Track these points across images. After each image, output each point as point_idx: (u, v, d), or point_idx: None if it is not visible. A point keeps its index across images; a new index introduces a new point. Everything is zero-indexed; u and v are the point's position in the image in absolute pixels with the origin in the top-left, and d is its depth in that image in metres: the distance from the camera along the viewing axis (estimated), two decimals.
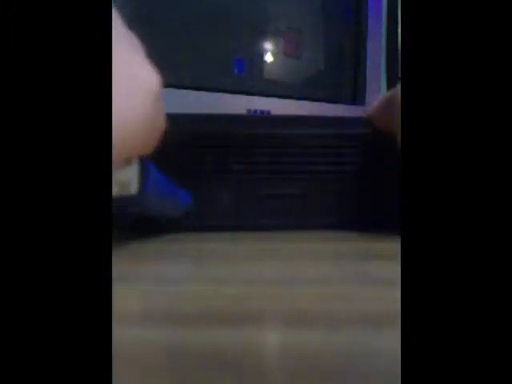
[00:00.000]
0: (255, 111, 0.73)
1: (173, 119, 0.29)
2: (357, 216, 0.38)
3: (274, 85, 0.80)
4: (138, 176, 0.28)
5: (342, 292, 0.18)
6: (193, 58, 0.64)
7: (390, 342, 0.13)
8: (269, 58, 0.81)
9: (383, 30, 0.92)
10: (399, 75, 0.92)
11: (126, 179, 0.27)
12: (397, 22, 0.92)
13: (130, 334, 0.14)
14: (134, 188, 0.28)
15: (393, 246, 0.27)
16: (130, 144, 0.25)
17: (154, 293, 0.19)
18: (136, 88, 0.23)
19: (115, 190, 0.27)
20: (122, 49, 0.23)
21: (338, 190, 0.38)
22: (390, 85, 0.93)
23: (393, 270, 0.22)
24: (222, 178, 0.35)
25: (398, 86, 0.37)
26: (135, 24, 0.26)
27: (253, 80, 0.78)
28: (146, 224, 0.34)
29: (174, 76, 0.63)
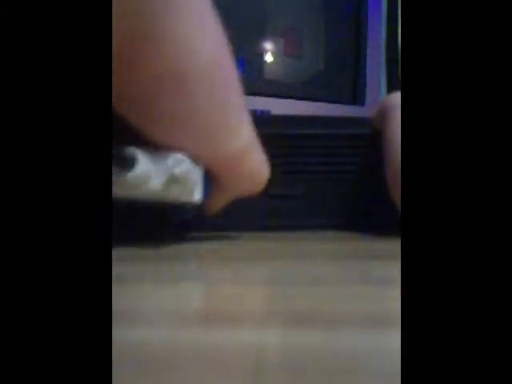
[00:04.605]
0: (255, 111, 0.73)
1: None
2: (357, 216, 0.38)
3: (274, 85, 0.80)
4: (202, 185, 0.28)
5: (342, 292, 0.18)
6: None
7: (390, 341, 0.13)
8: (269, 58, 0.81)
9: (383, 30, 0.92)
10: (399, 76, 0.92)
11: (190, 187, 0.27)
12: (397, 22, 0.92)
13: (130, 334, 0.14)
14: (197, 196, 0.28)
15: (393, 246, 0.27)
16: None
17: (155, 293, 0.19)
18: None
19: (175, 195, 0.27)
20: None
21: (338, 190, 0.38)
22: (390, 85, 0.93)
23: (393, 270, 0.22)
24: None
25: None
26: None
27: (253, 80, 0.78)
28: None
29: None
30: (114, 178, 0.25)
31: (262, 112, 0.75)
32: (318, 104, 0.82)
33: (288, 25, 0.83)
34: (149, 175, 0.26)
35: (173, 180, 0.26)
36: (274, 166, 0.33)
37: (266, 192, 0.34)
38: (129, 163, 0.25)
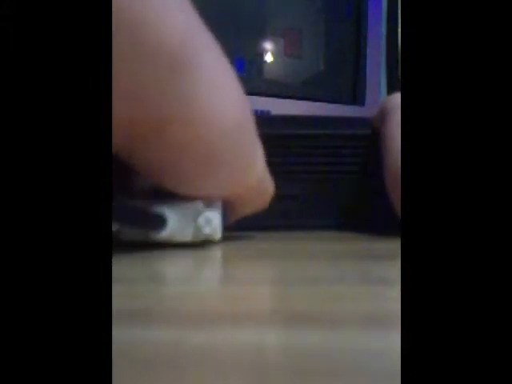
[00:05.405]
0: (255, 111, 0.73)
1: None
2: (357, 216, 0.38)
3: (274, 85, 0.80)
4: (220, 224, 0.29)
5: (342, 292, 0.18)
6: None
7: (390, 341, 0.13)
8: (269, 58, 0.81)
9: (383, 29, 0.92)
10: (399, 76, 0.92)
11: (214, 232, 0.28)
12: (397, 22, 0.92)
13: (130, 334, 0.14)
14: (218, 235, 0.29)
15: (393, 246, 0.27)
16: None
17: (155, 293, 0.19)
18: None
19: (200, 240, 0.28)
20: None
21: (338, 190, 0.38)
22: (390, 85, 0.93)
23: (393, 270, 0.22)
24: None
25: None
26: None
27: (253, 80, 0.78)
28: None
29: None
30: (142, 236, 0.26)
31: (262, 112, 0.75)
32: (317, 104, 0.82)
33: (288, 25, 0.83)
34: (177, 233, 0.27)
35: (200, 234, 0.28)
36: (274, 165, 0.33)
37: None
38: (159, 223, 0.26)
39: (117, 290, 0.18)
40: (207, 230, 0.28)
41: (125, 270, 0.22)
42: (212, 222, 0.28)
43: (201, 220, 0.27)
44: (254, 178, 0.29)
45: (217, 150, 0.26)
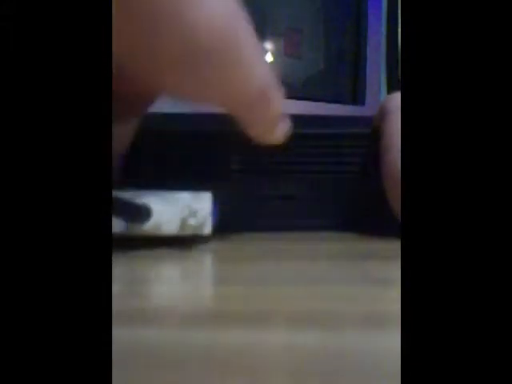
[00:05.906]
0: None
1: (170, 118, 0.29)
2: (357, 216, 0.38)
3: None
4: (211, 216, 0.28)
5: (342, 292, 0.18)
6: None
7: (390, 341, 0.13)
8: (269, 57, 0.80)
9: (383, 29, 0.92)
10: (399, 75, 0.92)
11: (199, 223, 0.28)
12: (397, 22, 0.92)
13: (130, 334, 0.14)
14: (207, 229, 0.28)
15: (393, 246, 0.27)
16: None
17: (154, 293, 0.19)
18: None
19: (187, 233, 0.28)
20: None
21: (338, 190, 0.38)
22: (390, 85, 0.93)
23: (393, 270, 0.22)
24: (221, 178, 0.35)
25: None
26: None
27: None
28: None
29: None
30: (126, 227, 0.26)
31: None
32: (318, 104, 0.82)
33: (288, 25, 0.83)
34: (162, 225, 0.26)
35: (186, 225, 0.27)
36: (274, 165, 0.33)
37: (265, 192, 0.34)
38: (143, 214, 0.26)
39: (116, 290, 0.18)
40: (192, 222, 0.27)
41: (124, 270, 0.22)
42: (197, 213, 0.27)
43: (185, 211, 0.27)
44: (254, 82, 0.27)
45: (204, 46, 0.24)
